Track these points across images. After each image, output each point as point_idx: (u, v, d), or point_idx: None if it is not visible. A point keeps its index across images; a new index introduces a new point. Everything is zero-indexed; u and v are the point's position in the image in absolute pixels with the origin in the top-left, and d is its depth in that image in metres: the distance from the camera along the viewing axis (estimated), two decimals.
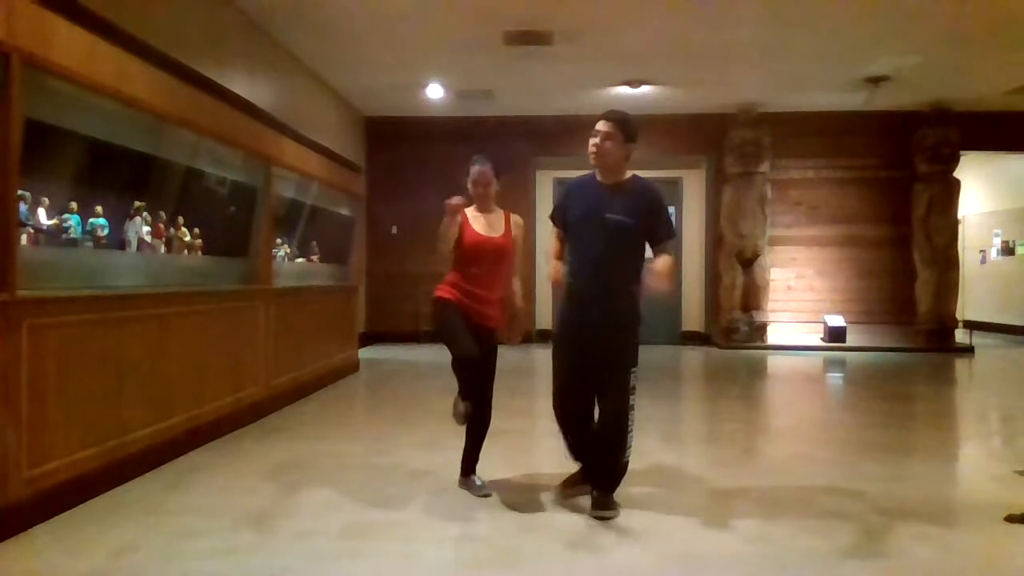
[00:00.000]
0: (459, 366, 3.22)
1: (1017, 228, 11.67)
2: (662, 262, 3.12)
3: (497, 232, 3.39)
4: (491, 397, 3.44)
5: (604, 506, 3.10)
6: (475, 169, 3.40)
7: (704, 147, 10.15)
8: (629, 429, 3.20)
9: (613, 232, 3.10)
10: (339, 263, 7.40)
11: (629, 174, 3.25)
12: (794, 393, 6.98)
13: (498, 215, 3.45)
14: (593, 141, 3.16)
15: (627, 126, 3.20)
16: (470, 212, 3.41)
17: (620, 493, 3.34)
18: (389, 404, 5.95)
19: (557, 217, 3.38)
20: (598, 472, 3.23)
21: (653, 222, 3.16)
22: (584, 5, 6.24)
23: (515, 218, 3.50)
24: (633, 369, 3.21)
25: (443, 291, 3.35)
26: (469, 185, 3.41)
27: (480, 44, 7.16)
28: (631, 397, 3.19)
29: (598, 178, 3.25)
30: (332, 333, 6.78)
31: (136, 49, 3.54)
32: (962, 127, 9.51)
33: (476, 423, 3.40)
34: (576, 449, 3.35)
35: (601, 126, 3.16)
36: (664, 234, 3.19)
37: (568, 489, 3.34)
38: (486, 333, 3.37)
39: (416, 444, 4.29)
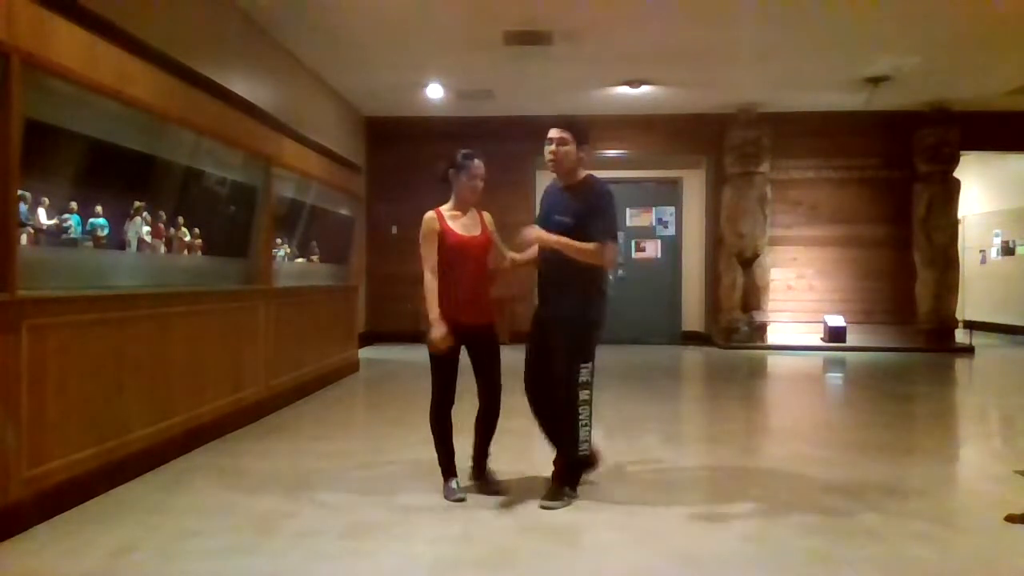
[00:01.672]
0: (437, 373, 3.33)
1: (1017, 228, 11.67)
2: (565, 239, 3.18)
3: (477, 231, 3.37)
4: (499, 394, 3.40)
5: (550, 496, 3.21)
6: (477, 162, 3.36)
7: (704, 147, 10.15)
8: (582, 423, 3.25)
9: (558, 233, 3.23)
10: (339, 263, 7.39)
11: (584, 174, 3.36)
12: (794, 393, 6.98)
13: (472, 214, 3.42)
14: (549, 148, 3.30)
15: (579, 130, 3.34)
16: (447, 213, 3.36)
17: (620, 492, 3.36)
18: (389, 404, 5.95)
19: (535, 222, 3.49)
20: (555, 463, 3.36)
21: (590, 219, 3.21)
22: (584, 5, 6.24)
23: (486, 215, 3.49)
24: (584, 364, 3.26)
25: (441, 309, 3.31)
26: (464, 178, 3.34)
27: (480, 44, 7.16)
28: (582, 392, 3.25)
29: (559, 183, 3.40)
30: (332, 333, 6.78)
31: (136, 49, 3.54)
32: (962, 127, 9.51)
33: (484, 423, 3.42)
34: (549, 436, 3.48)
35: (554, 133, 3.30)
36: (596, 231, 3.20)
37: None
38: (485, 332, 3.36)
39: (416, 444, 4.27)
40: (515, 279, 3.54)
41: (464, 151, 3.39)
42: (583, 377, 3.25)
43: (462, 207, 3.38)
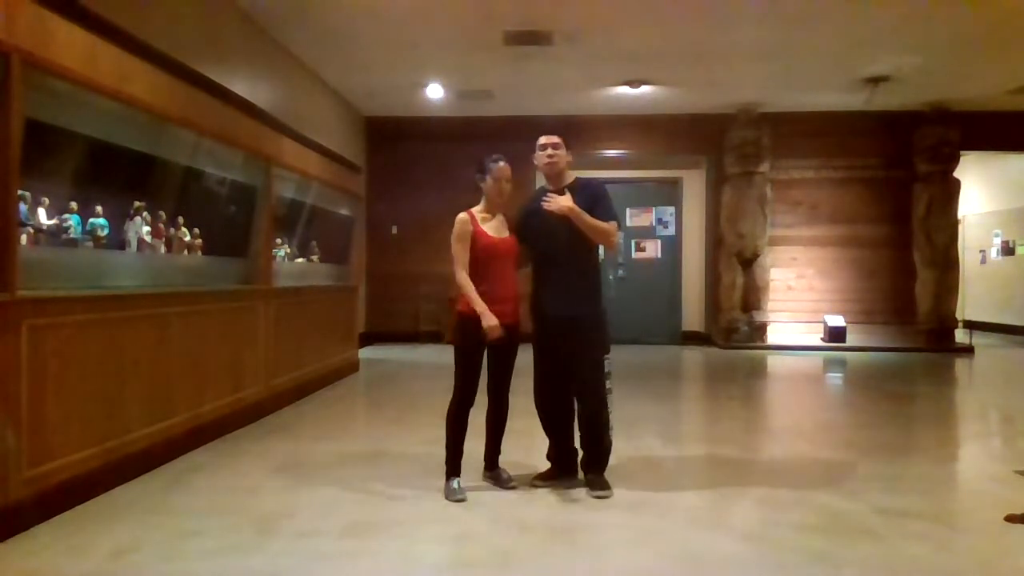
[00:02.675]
0: (464, 373, 3.36)
1: (1017, 228, 11.67)
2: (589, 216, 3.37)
3: (505, 232, 3.45)
4: (508, 393, 3.50)
5: (599, 486, 3.38)
6: (500, 165, 3.42)
7: (704, 147, 10.15)
8: (610, 411, 3.46)
9: (566, 232, 3.37)
10: (339, 263, 7.40)
11: (572, 177, 3.55)
12: (794, 393, 6.98)
13: (500, 218, 3.49)
14: (547, 153, 3.50)
15: (565, 138, 3.58)
16: (478, 215, 3.42)
17: (620, 492, 3.37)
18: (389, 404, 5.95)
19: (517, 232, 3.54)
20: (588, 456, 3.49)
21: (596, 208, 3.40)
22: (584, 5, 6.24)
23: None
24: (606, 357, 3.45)
25: (466, 306, 3.35)
26: (488, 181, 3.41)
27: (480, 44, 7.17)
28: (608, 382, 3.45)
29: (549, 187, 3.55)
30: (332, 333, 6.78)
31: (136, 49, 3.54)
32: (962, 127, 9.51)
33: (495, 420, 3.51)
34: (552, 450, 3.61)
35: (549, 139, 3.52)
36: (605, 216, 3.41)
37: (538, 481, 3.54)
38: (506, 331, 3.37)
39: (416, 444, 4.29)
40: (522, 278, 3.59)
41: (492, 156, 3.48)
42: (607, 368, 3.44)
43: (491, 209, 3.45)
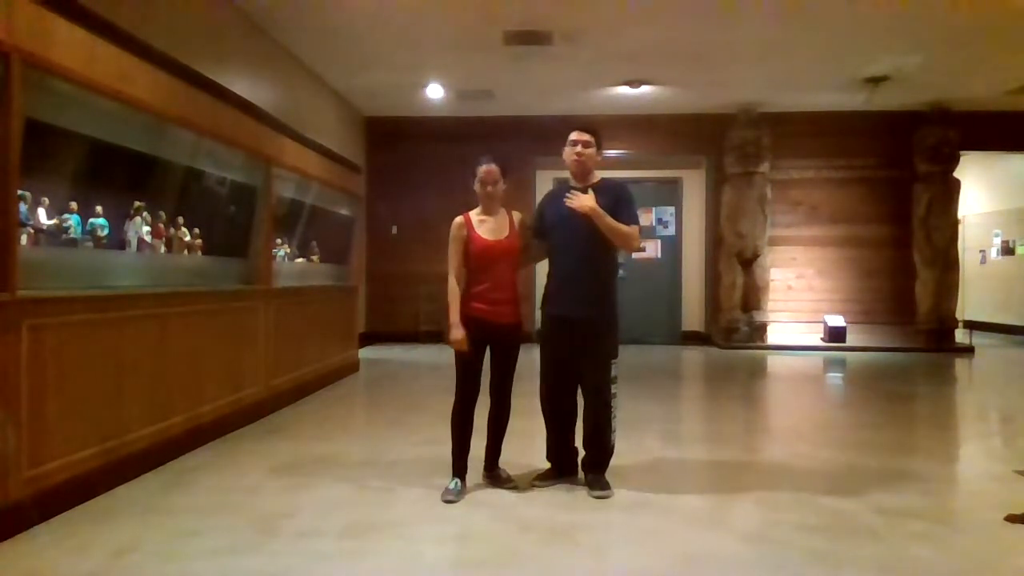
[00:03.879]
0: (463, 373, 3.37)
1: (1017, 228, 11.67)
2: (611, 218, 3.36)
3: (503, 234, 3.41)
4: (510, 393, 3.50)
5: (599, 486, 3.37)
6: (482, 168, 3.39)
7: (704, 147, 10.15)
8: (614, 415, 3.45)
9: (586, 231, 3.35)
10: (339, 263, 7.40)
11: (598, 176, 3.51)
12: (794, 393, 6.98)
13: (502, 216, 3.46)
14: (575, 150, 3.44)
15: (598, 135, 3.51)
16: (475, 216, 3.42)
17: (620, 492, 3.37)
18: (389, 404, 5.95)
19: (536, 227, 3.56)
20: (590, 457, 3.49)
21: (620, 210, 3.39)
22: (584, 5, 6.24)
23: (517, 215, 3.52)
24: (613, 360, 3.44)
25: (465, 306, 3.36)
26: (476, 184, 3.41)
27: (480, 44, 7.17)
28: (613, 386, 3.44)
29: (572, 184, 3.51)
30: (332, 333, 6.78)
31: (136, 49, 3.54)
32: (962, 127, 9.51)
33: (496, 419, 3.51)
34: (552, 450, 3.61)
35: (580, 136, 3.45)
36: (628, 218, 3.42)
37: (537, 481, 3.54)
38: (506, 330, 3.39)
39: (417, 444, 4.29)
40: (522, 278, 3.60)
41: (483, 156, 3.45)
42: (614, 372, 3.44)
43: (486, 211, 3.44)
